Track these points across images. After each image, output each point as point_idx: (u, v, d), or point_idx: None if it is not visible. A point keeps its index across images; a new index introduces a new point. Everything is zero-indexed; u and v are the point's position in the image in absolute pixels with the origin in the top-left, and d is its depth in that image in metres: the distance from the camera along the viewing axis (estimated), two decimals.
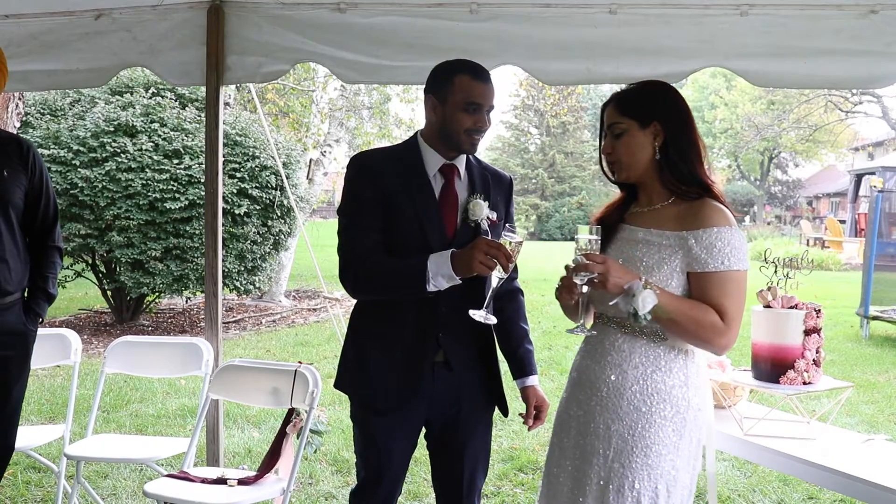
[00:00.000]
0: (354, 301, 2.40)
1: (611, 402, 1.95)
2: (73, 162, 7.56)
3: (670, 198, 2.00)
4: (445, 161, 2.29)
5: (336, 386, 2.40)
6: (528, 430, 2.45)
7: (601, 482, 1.93)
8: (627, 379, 1.94)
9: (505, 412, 2.45)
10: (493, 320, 2.16)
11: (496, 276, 2.08)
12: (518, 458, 4.44)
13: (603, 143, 2.06)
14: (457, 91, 2.21)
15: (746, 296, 1.95)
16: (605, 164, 2.08)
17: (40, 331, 3.74)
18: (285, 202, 8.47)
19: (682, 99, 2.04)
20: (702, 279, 1.91)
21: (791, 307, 2.63)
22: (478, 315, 2.13)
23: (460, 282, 2.12)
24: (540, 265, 13.81)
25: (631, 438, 1.91)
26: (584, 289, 1.90)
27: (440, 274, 2.09)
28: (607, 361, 1.98)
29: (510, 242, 2.07)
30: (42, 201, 2.93)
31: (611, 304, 1.90)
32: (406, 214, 2.21)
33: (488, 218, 2.27)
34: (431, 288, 2.11)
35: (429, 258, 2.11)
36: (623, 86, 2.10)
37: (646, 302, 1.84)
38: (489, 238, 2.13)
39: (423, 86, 2.34)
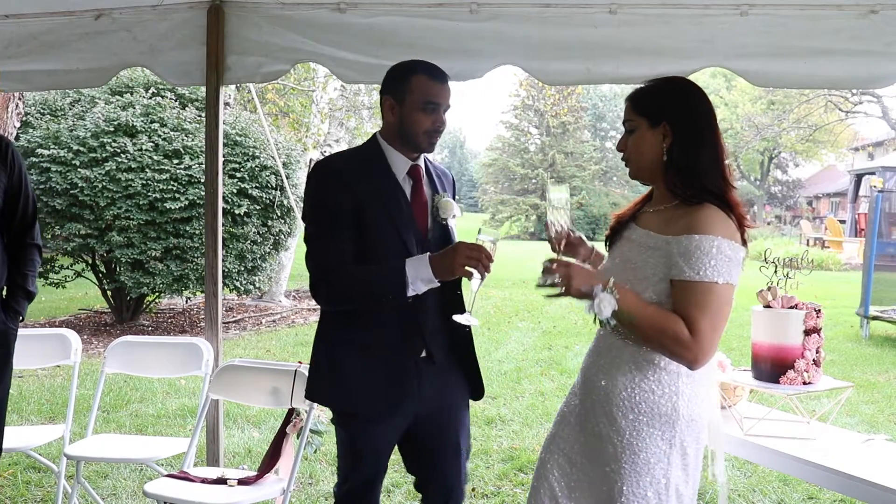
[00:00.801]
0: None
1: (602, 406, 1.94)
2: (73, 162, 7.56)
3: (674, 201, 1.95)
4: (412, 163, 2.30)
5: (310, 397, 2.38)
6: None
7: (596, 482, 1.94)
8: (617, 385, 1.92)
9: (479, 395, 2.45)
10: (475, 322, 2.19)
11: (477, 279, 2.09)
12: (518, 458, 4.44)
13: (619, 140, 2.05)
14: (414, 91, 2.22)
15: (728, 312, 1.86)
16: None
17: (40, 331, 3.75)
18: (285, 202, 8.47)
19: (703, 101, 1.97)
20: (677, 287, 1.85)
21: (791, 307, 2.63)
22: (462, 318, 2.16)
23: (439, 284, 2.14)
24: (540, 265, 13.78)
25: (620, 444, 1.90)
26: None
27: (419, 278, 2.10)
28: (600, 365, 1.98)
29: (487, 243, 2.08)
30: (21, 199, 2.88)
31: (583, 309, 1.89)
32: (380, 220, 2.20)
33: (454, 215, 2.30)
34: (411, 293, 2.11)
35: (406, 263, 2.11)
36: (644, 82, 2.05)
37: (603, 306, 1.83)
38: (467, 241, 2.13)
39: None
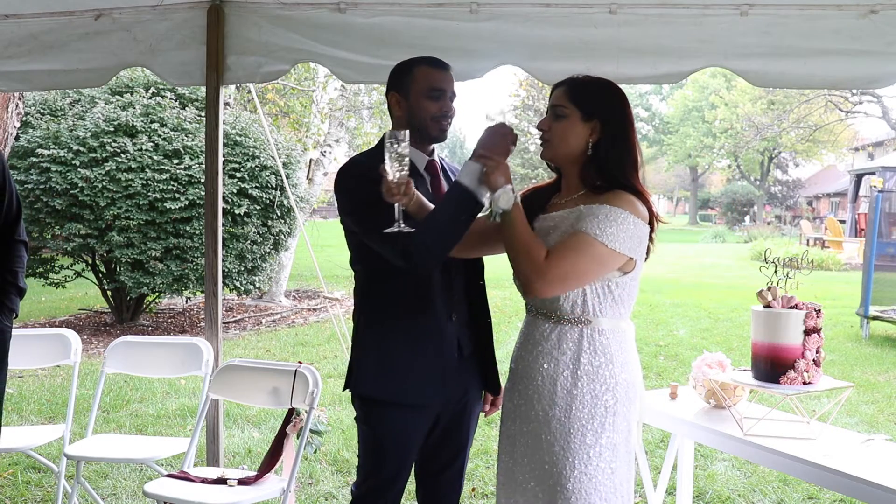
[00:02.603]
0: (354, 301, 2.39)
1: (546, 390, 2.02)
2: (73, 162, 7.56)
3: (583, 189, 2.05)
4: (428, 158, 2.35)
5: (353, 388, 2.36)
6: (485, 416, 2.55)
7: (546, 466, 2.00)
8: (559, 366, 2.01)
9: (495, 392, 2.49)
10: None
11: None
12: None
13: (541, 120, 2.09)
14: (418, 81, 2.27)
15: (595, 273, 1.94)
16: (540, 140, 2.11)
17: (40, 331, 3.75)
18: (285, 202, 8.47)
19: (628, 106, 2.08)
20: (570, 234, 1.95)
21: (791, 307, 2.63)
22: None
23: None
24: None
25: (567, 421, 1.98)
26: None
27: (479, 182, 2.05)
28: (539, 351, 2.05)
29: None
30: (5, 196, 2.83)
31: (484, 197, 2.02)
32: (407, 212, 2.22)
33: None
34: (485, 199, 2.06)
35: (456, 182, 2.08)
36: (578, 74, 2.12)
37: (503, 200, 1.94)
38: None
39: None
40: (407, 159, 1.98)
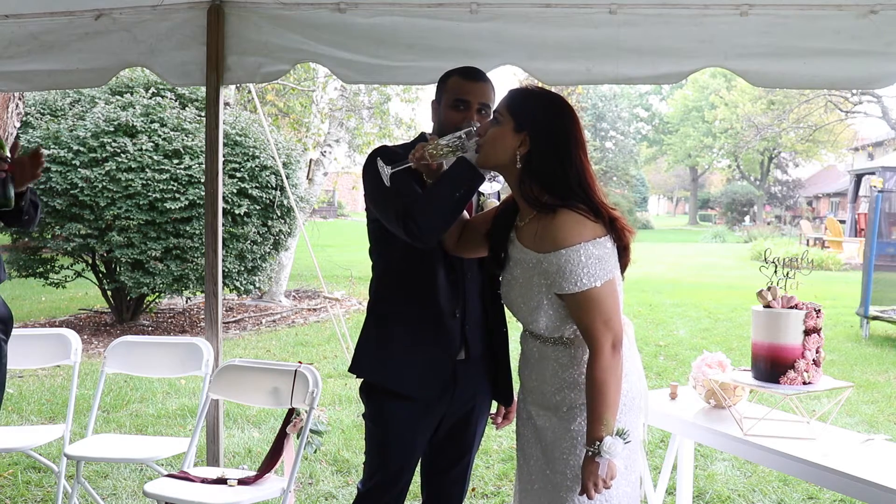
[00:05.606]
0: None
1: (539, 401, 2.09)
2: (73, 162, 7.56)
3: (533, 212, 2.01)
4: None
5: (354, 370, 2.38)
6: (497, 428, 2.57)
7: (547, 472, 2.06)
8: (547, 381, 2.06)
9: (507, 402, 2.51)
10: (499, 183, 2.24)
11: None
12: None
13: (482, 123, 2.09)
14: (448, 91, 2.31)
15: (616, 299, 1.95)
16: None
17: (40, 331, 3.76)
18: (285, 202, 8.47)
19: (571, 123, 2.01)
20: (566, 300, 1.96)
21: (791, 307, 2.64)
22: (484, 186, 2.18)
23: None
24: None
25: (560, 430, 2.03)
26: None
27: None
28: (531, 367, 2.12)
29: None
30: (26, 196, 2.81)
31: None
32: None
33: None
34: (486, 175, 2.10)
35: (460, 157, 2.09)
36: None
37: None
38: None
39: (423, 86, 2.39)
40: (454, 157, 2.04)
